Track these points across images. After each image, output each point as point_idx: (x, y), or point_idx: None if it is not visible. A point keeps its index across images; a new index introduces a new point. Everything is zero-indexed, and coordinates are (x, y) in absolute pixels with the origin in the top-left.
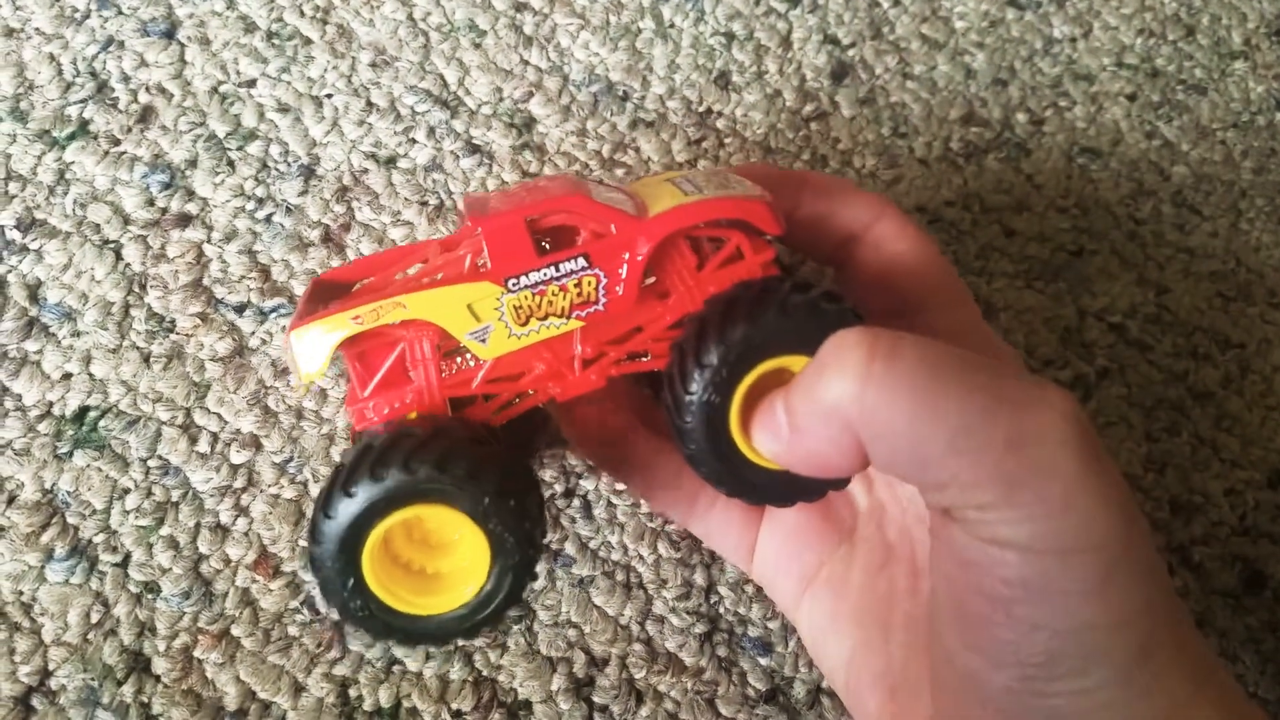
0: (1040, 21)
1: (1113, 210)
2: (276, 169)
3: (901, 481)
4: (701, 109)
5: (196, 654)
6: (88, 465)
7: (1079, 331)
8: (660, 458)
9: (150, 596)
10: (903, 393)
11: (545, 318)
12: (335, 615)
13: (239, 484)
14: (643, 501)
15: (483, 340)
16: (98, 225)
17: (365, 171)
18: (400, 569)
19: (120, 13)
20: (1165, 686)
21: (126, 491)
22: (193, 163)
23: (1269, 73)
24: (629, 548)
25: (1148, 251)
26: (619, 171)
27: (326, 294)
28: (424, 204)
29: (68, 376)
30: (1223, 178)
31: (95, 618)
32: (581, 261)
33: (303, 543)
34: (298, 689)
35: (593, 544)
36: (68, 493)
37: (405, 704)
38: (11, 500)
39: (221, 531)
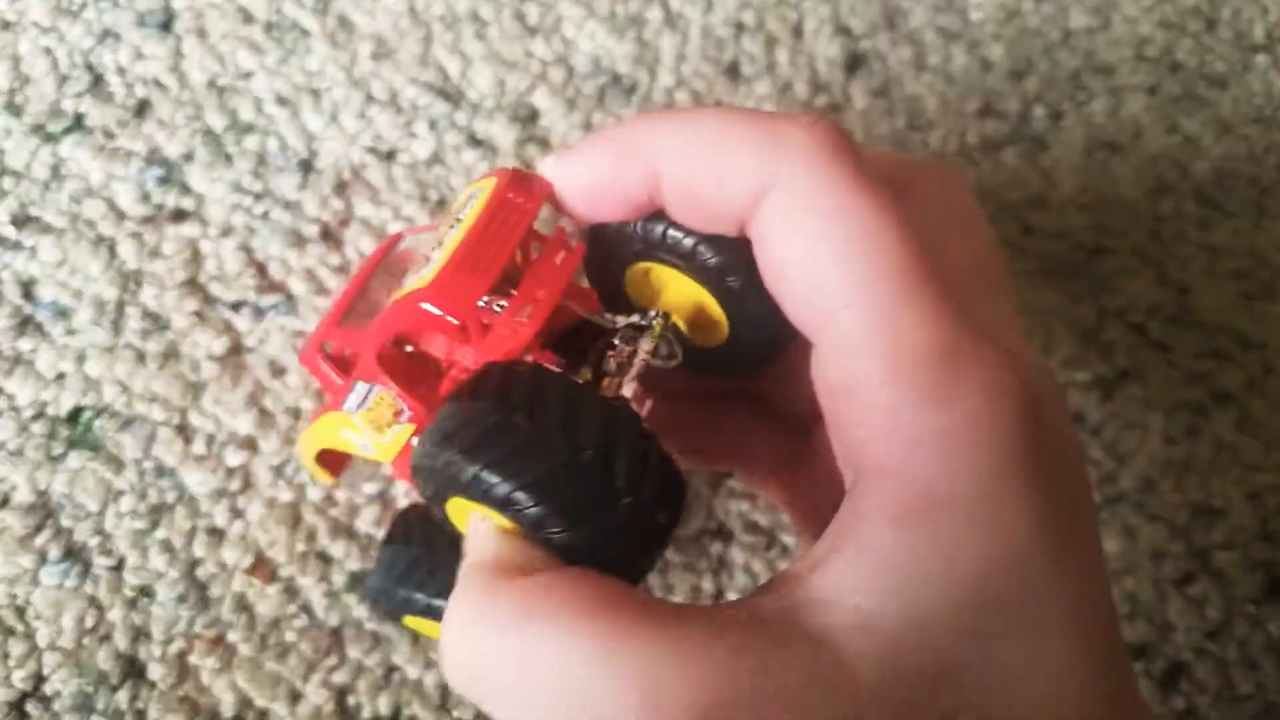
0: (1058, 13)
1: (1133, 207)
2: (274, 163)
3: None
4: (711, 101)
5: (192, 660)
6: (82, 467)
7: (1098, 331)
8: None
9: (145, 601)
10: None
11: (392, 424)
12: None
13: (235, 486)
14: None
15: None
16: (92, 221)
17: (365, 166)
18: None
19: (117, 5)
20: None
21: (121, 494)
22: (189, 157)
23: None
24: None
25: (1168, 249)
26: None
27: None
28: (424, 199)
29: (61, 376)
30: (1245, 174)
31: (90, 622)
32: (360, 385)
33: (300, 546)
34: (295, 696)
35: None
36: (62, 495)
37: (405, 711)
38: (5, 502)
39: (217, 535)
